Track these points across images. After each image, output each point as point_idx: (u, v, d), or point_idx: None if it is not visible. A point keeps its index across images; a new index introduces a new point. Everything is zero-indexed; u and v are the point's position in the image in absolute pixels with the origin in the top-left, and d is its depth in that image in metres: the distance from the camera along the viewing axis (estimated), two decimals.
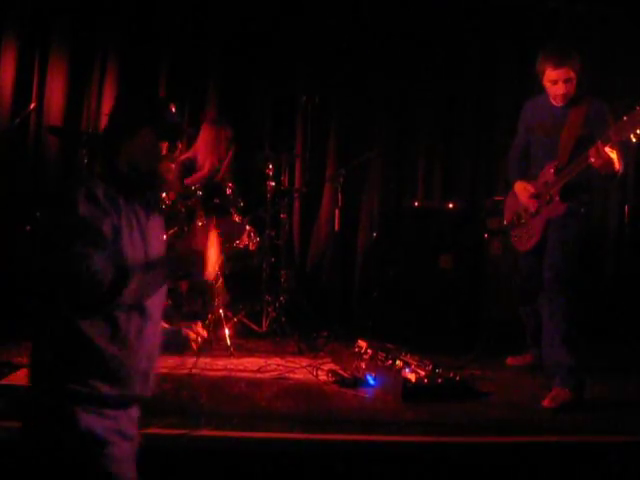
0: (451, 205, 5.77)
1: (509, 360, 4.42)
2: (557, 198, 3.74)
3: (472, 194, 6.16)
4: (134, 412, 2.00)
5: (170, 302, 4.39)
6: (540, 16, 5.98)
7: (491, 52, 6.16)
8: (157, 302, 2.01)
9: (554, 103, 3.85)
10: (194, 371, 3.85)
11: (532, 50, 6.00)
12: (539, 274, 3.86)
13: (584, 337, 3.70)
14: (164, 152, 2.04)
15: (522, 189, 3.93)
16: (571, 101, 3.77)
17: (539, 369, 4.02)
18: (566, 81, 3.70)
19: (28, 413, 1.89)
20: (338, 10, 5.95)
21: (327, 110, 5.99)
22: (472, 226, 5.59)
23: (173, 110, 2.14)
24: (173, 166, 2.08)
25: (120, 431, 1.90)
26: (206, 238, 2.03)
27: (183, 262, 2.01)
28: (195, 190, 4.63)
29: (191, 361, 4.07)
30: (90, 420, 1.82)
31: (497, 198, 5.21)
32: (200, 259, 1.97)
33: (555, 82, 3.71)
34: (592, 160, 3.45)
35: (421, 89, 6.16)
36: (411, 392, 3.48)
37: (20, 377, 3.52)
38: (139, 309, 1.92)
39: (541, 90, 3.89)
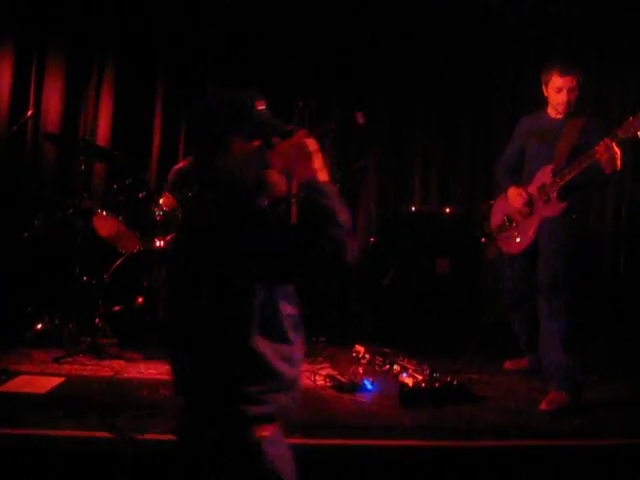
0: (448, 210, 5.79)
1: (507, 364, 4.43)
2: (555, 197, 3.77)
3: (469, 199, 6.17)
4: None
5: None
6: (539, 20, 6.00)
7: (489, 57, 6.18)
8: None
9: (553, 115, 3.93)
10: None
11: (531, 54, 6.09)
12: (529, 278, 3.92)
13: (582, 339, 3.72)
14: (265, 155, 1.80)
15: (516, 194, 3.97)
16: (569, 115, 3.86)
17: (536, 373, 4.03)
18: (570, 90, 3.80)
19: (202, 444, 1.74)
20: (336, 14, 5.96)
21: (324, 116, 6.00)
22: (469, 231, 5.60)
23: (260, 106, 1.85)
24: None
25: (289, 455, 1.84)
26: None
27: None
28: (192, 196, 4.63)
29: None
30: (272, 453, 1.73)
31: (493, 202, 5.22)
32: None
33: (560, 90, 3.80)
34: (599, 155, 3.51)
35: (418, 94, 6.18)
36: (408, 396, 3.49)
37: (17, 384, 3.52)
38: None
39: (537, 101, 3.96)
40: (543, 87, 3.95)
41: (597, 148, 3.52)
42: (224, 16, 5.86)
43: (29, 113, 5.23)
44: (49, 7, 5.63)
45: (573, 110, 3.86)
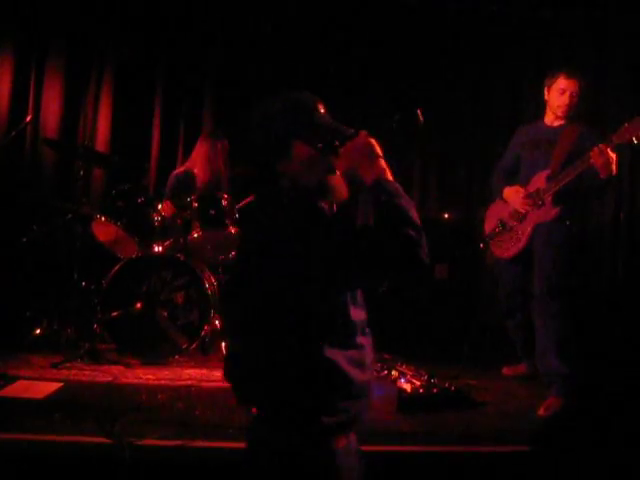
0: (447, 215, 5.79)
1: (505, 370, 4.42)
2: (549, 202, 3.79)
3: (468, 204, 6.18)
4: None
5: (165, 314, 4.40)
6: (535, 25, 6.02)
7: (487, 61, 6.19)
8: None
9: (549, 123, 3.97)
10: (190, 382, 3.86)
11: (528, 59, 6.10)
12: (523, 284, 3.95)
13: (579, 344, 3.72)
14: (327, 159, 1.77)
15: (513, 192, 3.98)
16: (567, 121, 3.89)
17: (534, 378, 4.03)
18: (573, 94, 3.84)
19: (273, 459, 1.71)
20: (335, 15, 5.97)
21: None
22: (467, 236, 5.60)
23: (321, 109, 1.84)
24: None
25: (357, 466, 1.79)
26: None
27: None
28: (191, 202, 4.65)
29: (188, 373, 4.10)
30: (344, 465, 1.69)
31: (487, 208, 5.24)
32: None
33: (564, 91, 3.85)
34: (593, 160, 3.52)
35: (417, 98, 6.18)
36: (406, 402, 3.48)
37: (16, 389, 3.52)
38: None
39: (536, 108, 3.98)
40: (545, 91, 3.97)
41: (591, 153, 3.54)
42: (223, 23, 5.88)
43: (28, 118, 5.24)
44: (48, 12, 5.64)
45: (571, 117, 3.89)
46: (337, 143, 1.76)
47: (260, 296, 1.69)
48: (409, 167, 6.27)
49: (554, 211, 3.78)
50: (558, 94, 3.87)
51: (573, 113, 3.89)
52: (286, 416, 1.69)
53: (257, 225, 1.82)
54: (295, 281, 1.64)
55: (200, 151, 5.15)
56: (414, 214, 1.68)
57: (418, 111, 1.93)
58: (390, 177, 1.74)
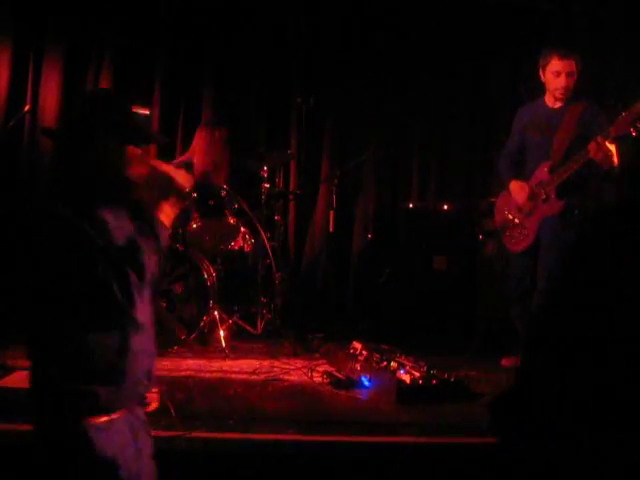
0: (446, 207, 5.78)
1: (504, 361, 4.41)
2: (553, 196, 3.75)
3: (467, 196, 6.17)
4: (140, 412, 1.98)
5: (164, 305, 4.39)
6: (534, 18, 5.99)
7: (486, 54, 6.17)
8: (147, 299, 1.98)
9: (550, 104, 3.87)
10: (189, 373, 3.86)
11: (526, 52, 6.06)
12: (532, 275, 3.89)
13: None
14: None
15: (518, 188, 3.94)
16: (567, 102, 3.80)
17: None
18: (569, 74, 3.72)
19: (37, 427, 1.87)
20: (332, 10, 5.95)
21: (322, 111, 5.99)
22: (467, 227, 5.60)
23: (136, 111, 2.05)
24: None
25: (131, 442, 1.88)
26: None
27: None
28: (190, 192, 4.62)
29: (187, 363, 4.10)
30: (102, 442, 1.80)
31: (492, 200, 5.21)
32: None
33: (558, 74, 3.73)
34: (592, 155, 3.48)
35: (416, 90, 6.17)
36: (406, 393, 3.48)
37: (15, 379, 3.51)
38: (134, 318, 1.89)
39: (533, 96, 3.93)
40: (540, 72, 3.87)
41: (589, 147, 3.49)
42: (222, 12, 5.85)
43: (26, 108, 5.21)
44: (46, 2, 5.61)
45: (571, 97, 3.78)
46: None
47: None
48: (409, 158, 6.27)
49: (559, 205, 3.74)
50: (553, 76, 3.76)
51: (572, 93, 3.78)
52: (42, 396, 1.87)
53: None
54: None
55: (199, 141, 5.13)
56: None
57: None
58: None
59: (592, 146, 3.48)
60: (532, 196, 3.86)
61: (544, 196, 3.78)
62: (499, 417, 1.46)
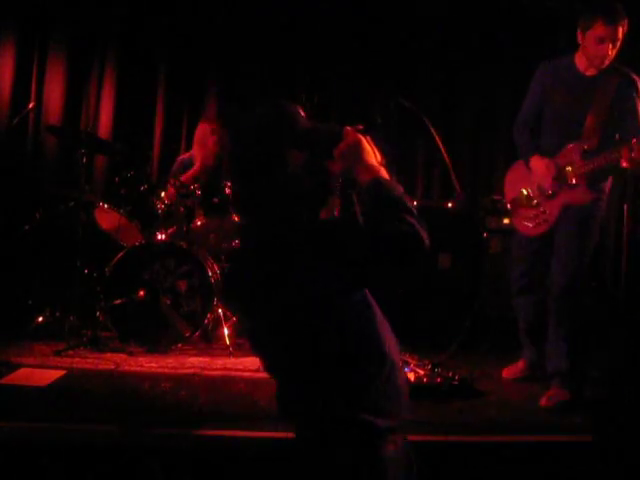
0: (450, 204, 5.77)
1: (504, 372, 4.10)
2: (584, 184, 3.38)
3: (471, 193, 6.15)
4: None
5: (168, 302, 4.39)
6: (539, 16, 5.97)
7: (491, 51, 6.15)
8: None
9: (582, 69, 3.44)
10: (193, 370, 3.86)
11: (531, 50, 6.05)
12: (545, 261, 3.60)
13: (586, 337, 3.68)
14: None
15: (544, 167, 3.48)
16: (602, 71, 3.38)
17: (535, 370, 3.97)
18: (613, 42, 3.26)
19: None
20: (337, 9, 5.94)
21: (326, 109, 5.98)
22: (471, 225, 5.58)
23: (302, 114, 1.83)
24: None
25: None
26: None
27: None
28: (194, 190, 4.63)
29: (191, 361, 4.10)
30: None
31: (496, 197, 5.21)
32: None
33: (602, 40, 3.26)
34: (624, 163, 3.17)
35: (420, 88, 6.16)
36: (410, 391, 3.47)
37: (19, 377, 3.52)
38: None
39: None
40: (579, 32, 3.39)
41: (622, 152, 3.17)
42: (225, 9, 5.85)
43: (30, 105, 5.23)
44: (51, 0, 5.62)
45: (608, 65, 3.33)
46: (330, 146, 1.76)
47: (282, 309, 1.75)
48: (413, 156, 6.26)
49: (590, 196, 3.37)
50: (595, 42, 3.29)
51: (611, 63, 3.33)
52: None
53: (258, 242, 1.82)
54: (308, 289, 1.70)
55: (197, 135, 5.16)
56: (412, 204, 1.73)
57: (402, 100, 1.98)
58: (384, 173, 1.76)
59: (625, 151, 3.11)
60: (558, 176, 3.44)
61: (573, 181, 3.38)
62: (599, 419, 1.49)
